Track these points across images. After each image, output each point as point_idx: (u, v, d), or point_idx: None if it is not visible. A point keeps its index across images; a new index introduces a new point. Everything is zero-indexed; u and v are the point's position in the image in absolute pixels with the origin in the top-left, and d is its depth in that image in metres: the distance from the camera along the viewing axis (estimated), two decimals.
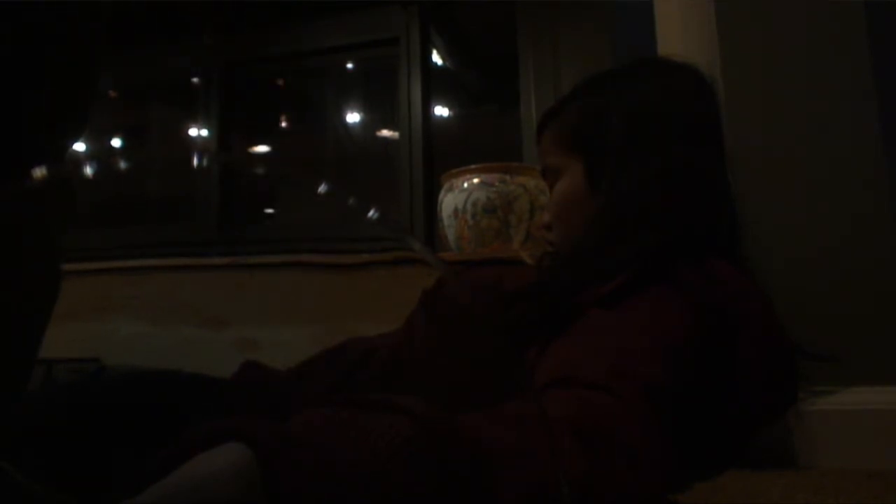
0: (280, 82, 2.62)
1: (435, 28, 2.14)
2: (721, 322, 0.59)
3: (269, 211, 2.65)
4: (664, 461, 0.47)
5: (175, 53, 2.35)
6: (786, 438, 1.08)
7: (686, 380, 0.55)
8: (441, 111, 2.30)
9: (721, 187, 0.71)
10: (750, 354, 0.60)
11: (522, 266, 1.23)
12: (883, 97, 1.20)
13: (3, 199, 0.35)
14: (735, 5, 1.28)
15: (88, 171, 2.54)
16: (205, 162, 2.23)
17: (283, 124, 2.76)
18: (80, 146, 2.45)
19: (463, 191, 1.52)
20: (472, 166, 1.53)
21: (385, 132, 2.45)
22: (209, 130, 2.27)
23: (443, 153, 2.07)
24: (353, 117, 2.54)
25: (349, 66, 2.42)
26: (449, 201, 1.55)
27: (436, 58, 2.19)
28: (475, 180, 1.51)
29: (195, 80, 2.38)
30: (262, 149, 2.72)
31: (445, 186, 1.58)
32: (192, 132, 2.41)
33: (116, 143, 2.67)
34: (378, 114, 2.48)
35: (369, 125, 2.54)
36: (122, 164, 2.66)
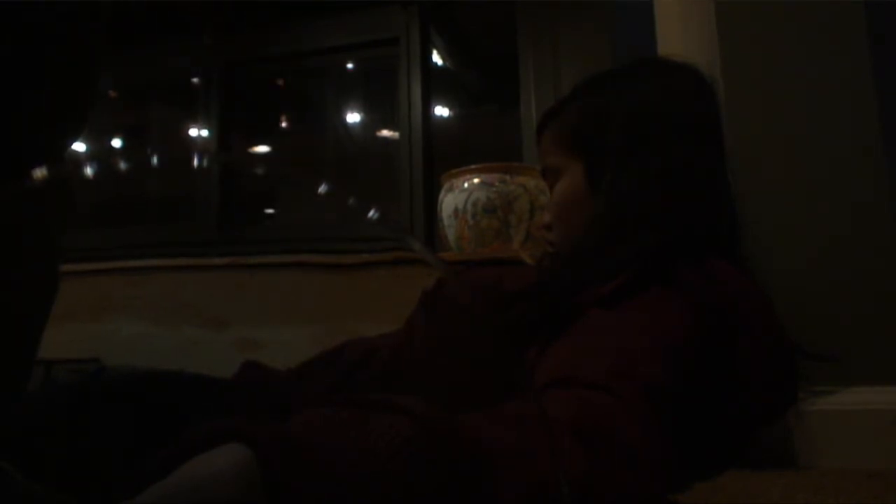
0: (280, 82, 2.63)
1: (435, 28, 2.14)
2: (721, 322, 0.59)
3: (269, 211, 2.65)
4: (664, 461, 0.48)
5: (175, 53, 2.35)
6: (786, 438, 1.08)
7: (686, 380, 0.55)
8: (441, 111, 2.30)
9: (721, 187, 0.71)
10: (750, 354, 0.60)
11: (522, 266, 1.23)
12: (883, 97, 1.20)
13: (3, 199, 0.35)
14: (735, 5, 1.28)
15: (88, 171, 2.55)
16: (205, 162, 2.23)
17: (283, 124, 2.76)
18: (80, 146, 2.45)
19: (463, 191, 1.52)
20: (472, 166, 1.53)
21: (385, 132, 2.45)
22: (209, 130, 2.27)
23: (443, 153, 2.07)
24: (353, 117, 2.54)
25: (349, 66, 2.42)
26: (449, 201, 1.55)
27: (436, 58, 2.19)
28: (475, 180, 1.51)
29: (195, 80, 2.38)
30: (262, 149, 2.72)
31: (445, 186, 1.58)
32: (192, 132, 2.41)
33: (116, 143, 2.67)
34: (378, 114, 2.48)
35: (369, 125, 2.54)
36: (122, 164, 2.66)
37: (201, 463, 0.33)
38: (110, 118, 2.64)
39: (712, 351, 0.59)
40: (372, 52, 2.22)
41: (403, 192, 2.00)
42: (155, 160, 2.65)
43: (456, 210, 1.53)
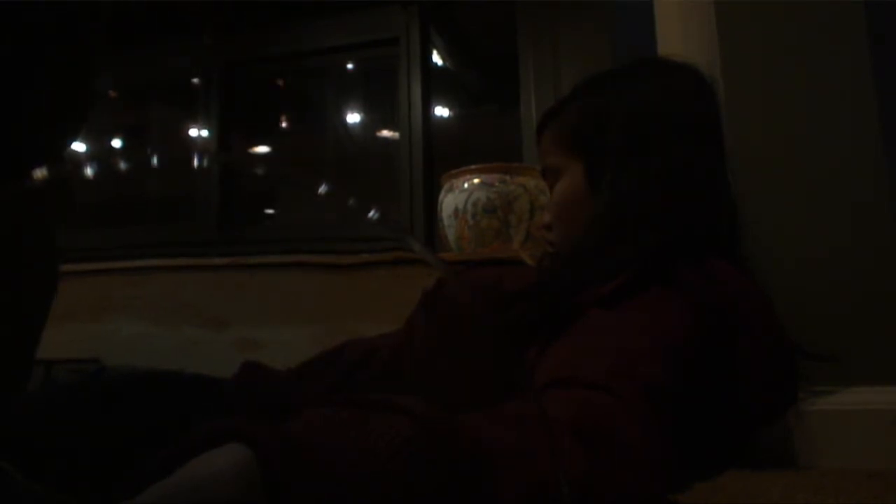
0: (280, 82, 2.63)
1: (435, 28, 2.14)
2: (721, 322, 0.59)
3: (269, 211, 2.65)
4: (664, 461, 0.48)
5: (175, 53, 2.35)
6: (786, 438, 1.08)
7: (686, 380, 0.55)
8: (441, 111, 2.30)
9: (721, 187, 0.71)
10: (750, 354, 0.60)
11: (522, 266, 1.23)
12: (883, 97, 1.20)
13: (3, 199, 0.35)
14: (735, 5, 1.28)
15: (88, 171, 2.55)
16: (205, 162, 2.23)
17: (283, 124, 2.76)
18: (80, 146, 2.45)
19: (463, 191, 1.52)
20: (472, 166, 1.53)
21: (385, 132, 2.45)
22: (209, 130, 2.27)
23: (443, 153, 2.07)
24: (353, 117, 2.54)
25: (349, 66, 2.42)
26: (449, 201, 1.55)
27: (436, 58, 2.19)
28: (475, 180, 1.51)
29: (195, 80, 2.38)
30: (262, 149, 2.72)
31: (445, 187, 1.58)
32: (192, 132, 2.41)
33: (116, 143, 2.67)
34: (378, 114, 2.48)
35: (369, 125, 2.54)
36: (122, 164, 2.66)
37: (201, 463, 0.33)
38: (110, 118, 2.64)
39: (712, 351, 0.59)
40: (372, 52, 2.22)
41: (403, 192, 2.00)
42: (155, 160, 2.65)
43: (456, 210, 1.53)
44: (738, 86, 1.22)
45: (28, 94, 0.36)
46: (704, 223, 0.68)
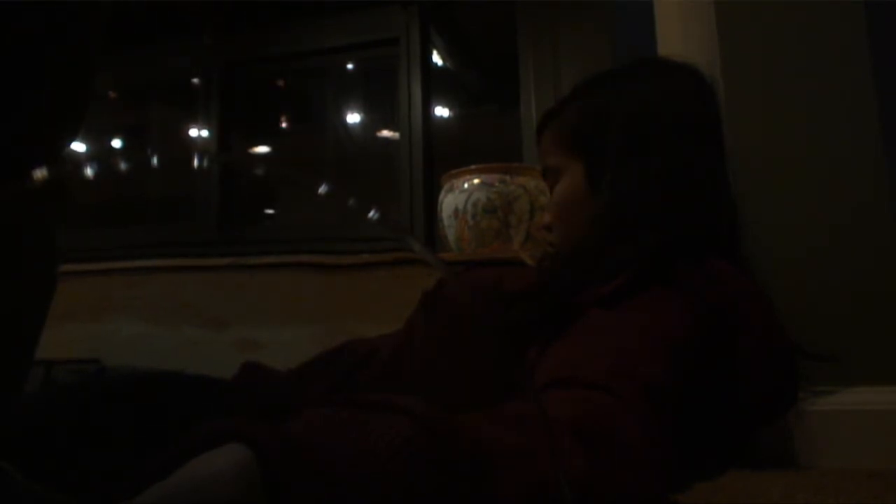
0: (280, 82, 2.63)
1: (435, 28, 2.14)
2: (721, 322, 0.59)
3: (269, 211, 2.64)
4: (664, 461, 0.48)
5: (175, 53, 2.35)
6: (786, 438, 1.08)
7: (686, 380, 0.55)
8: (441, 111, 2.30)
9: (721, 187, 0.71)
10: (750, 354, 0.60)
11: (522, 266, 1.23)
12: (883, 97, 1.20)
13: (3, 199, 0.35)
14: (735, 5, 1.27)
15: (88, 171, 2.55)
16: (205, 162, 2.22)
17: (283, 124, 2.76)
18: (80, 146, 2.45)
19: (463, 191, 1.52)
20: (472, 167, 1.53)
21: (385, 132, 2.45)
22: (209, 130, 2.27)
23: (443, 153, 2.07)
24: (353, 117, 2.54)
25: (349, 66, 2.42)
26: (449, 202, 1.55)
27: (436, 58, 2.19)
28: (475, 181, 1.51)
29: (195, 80, 2.38)
30: (262, 149, 2.72)
31: (445, 187, 1.58)
32: (192, 132, 2.41)
33: (116, 143, 2.67)
34: (378, 114, 2.48)
35: (369, 125, 2.54)
36: (122, 164, 2.66)
37: (201, 463, 0.33)
38: (110, 118, 2.64)
39: (712, 351, 0.59)
40: (372, 52, 2.22)
41: (403, 192, 2.00)
42: (155, 160, 2.65)
43: (456, 210, 1.53)
44: (738, 86, 1.22)
45: (28, 94, 0.36)
46: (704, 223, 0.68)
